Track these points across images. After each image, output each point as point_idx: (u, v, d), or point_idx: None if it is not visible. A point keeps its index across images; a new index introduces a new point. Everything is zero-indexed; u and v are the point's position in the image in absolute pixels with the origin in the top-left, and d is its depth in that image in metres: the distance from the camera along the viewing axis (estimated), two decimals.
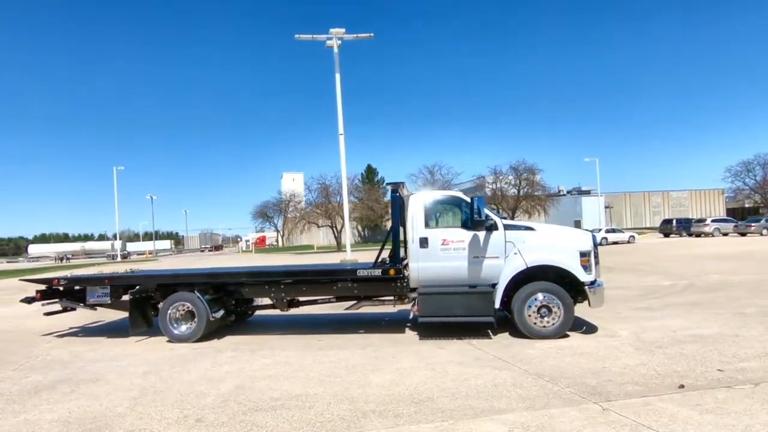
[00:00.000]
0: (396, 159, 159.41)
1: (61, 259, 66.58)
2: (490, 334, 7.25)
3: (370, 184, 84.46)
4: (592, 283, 7.14)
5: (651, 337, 6.72)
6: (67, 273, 9.27)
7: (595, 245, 7.34)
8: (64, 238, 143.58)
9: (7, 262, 77.44)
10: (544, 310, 6.85)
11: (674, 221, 49.23)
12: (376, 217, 76.67)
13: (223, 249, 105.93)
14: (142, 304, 7.98)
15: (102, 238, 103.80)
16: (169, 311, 7.68)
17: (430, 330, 7.62)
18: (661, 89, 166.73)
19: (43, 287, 8.43)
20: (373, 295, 7.91)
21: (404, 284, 7.47)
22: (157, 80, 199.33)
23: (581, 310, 8.15)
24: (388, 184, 7.70)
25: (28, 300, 8.45)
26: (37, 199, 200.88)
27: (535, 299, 6.86)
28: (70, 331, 9.12)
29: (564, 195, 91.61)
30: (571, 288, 7.08)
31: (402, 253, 7.67)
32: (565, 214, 76.48)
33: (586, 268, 6.94)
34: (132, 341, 7.88)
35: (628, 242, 40.30)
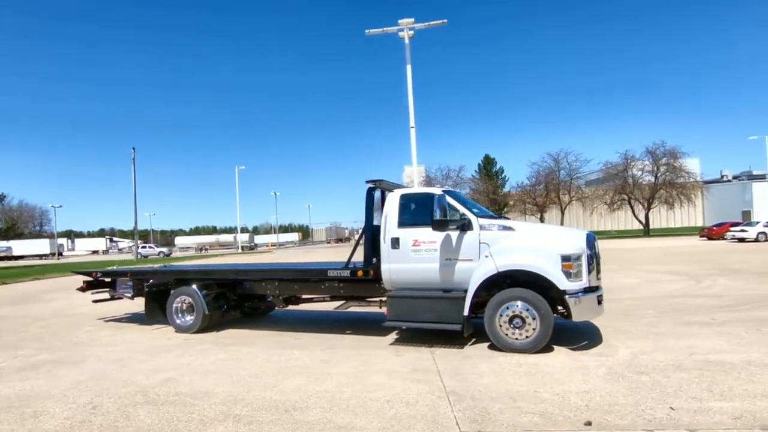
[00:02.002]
0: (517, 147, 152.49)
1: (200, 250, 76.88)
2: (468, 343, 6.81)
3: (488, 175, 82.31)
4: (590, 290, 6.31)
5: (650, 360, 5.71)
6: (114, 267, 10.83)
7: (591, 248, 6.43)
8: (213, 230, 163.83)
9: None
10: (517, 320, 6.22)
11: None
12: (495, 210, 74.58)
13: (349, 240, 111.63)
14: (159, 296, 8.98)
15: (244, 230, 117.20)
16: (174, 304, 8.58)
17: (410, 335, 7.42)
18: None
19: (90, 279, 9.99)
20: (359, 296, 7.91)
21: (382, 286, 7.35)
22: (279, 83, 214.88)
23: (610, 322, 7.37)
24: (367, 181, 7.59)
25: (81, 289, 10.07)
26: (195, 196, 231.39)
27: (507, 308, 6.26)
28: (122, 317, 10.63)
29: (729, 181, 79.03)
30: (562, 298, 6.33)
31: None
32: (728, 204, 66.07)
33: (568, 274, 6.11)
34: (150, 329, 8.96)
35: None
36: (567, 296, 6.09)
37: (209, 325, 8.48)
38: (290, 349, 7.00)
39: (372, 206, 7.44)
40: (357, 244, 7.68)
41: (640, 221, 54.48)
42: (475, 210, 7.10)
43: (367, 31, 20.23)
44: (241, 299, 9.02)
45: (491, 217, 7.13)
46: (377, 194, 7.69)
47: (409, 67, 19.98)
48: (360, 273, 7.25)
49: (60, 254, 74.03)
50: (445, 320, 6.61)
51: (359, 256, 7.66)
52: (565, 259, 6.13)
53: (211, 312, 8.34)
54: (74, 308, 12.52)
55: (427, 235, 6.89)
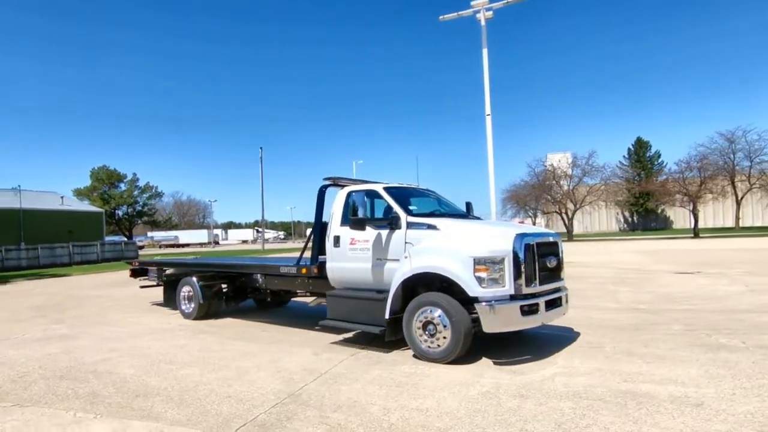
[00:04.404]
0: (678, 127, 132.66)
1: None
2: (404, 348, 6.68)
3: (639, 161, 74.20)
4: (518, 298, 5.75)
5: (562, 383, 5.04)
6: (157, 257, 12.52)
7: (524, 250, 5.80)
8: None
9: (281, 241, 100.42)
10: (431, 327, 5.95)
11: None
12: (647, 201, 66.92)
13: None
14: (175, 284, 10.27)
15: None
16: (181, 292, 9.78)
17: (364, 334, 7.48)
18: None
19: (135, 267, 11.80)
20: (323, 293, 8.15)
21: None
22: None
23: (602, 337, 6.84)
24: (325, 179, 7.78)
25: (132, 276, 11.95)
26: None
27: (422, 313, 6.02)
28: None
29: None
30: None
31: None
32: None
33: (481, 279, 5.64)
34: (170, 314, 10.33)
35: None
36: (477, 303, 5.64)
37: (207, 313, 9.49)
38: (238, 340, 7.59)
39: (323, 203, 7.63)
40: (308, 240, 7.95)
41: None
42: (412, 207, 6.88)
43: (441, 17, 19.83)
44: (240, 291, 9.86)
45: (427, 215, 6.82)
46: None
47: (485, 51, 19.08)
48: (304, 270, 7.52)
49: (216, 243, 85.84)
50: (374, 323, 6.57)
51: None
52: (478, 262, 5.68)
53: (207, 301, 9.33)
54: (147, 292, 14.65)
55: (361, 233, 6.89)
